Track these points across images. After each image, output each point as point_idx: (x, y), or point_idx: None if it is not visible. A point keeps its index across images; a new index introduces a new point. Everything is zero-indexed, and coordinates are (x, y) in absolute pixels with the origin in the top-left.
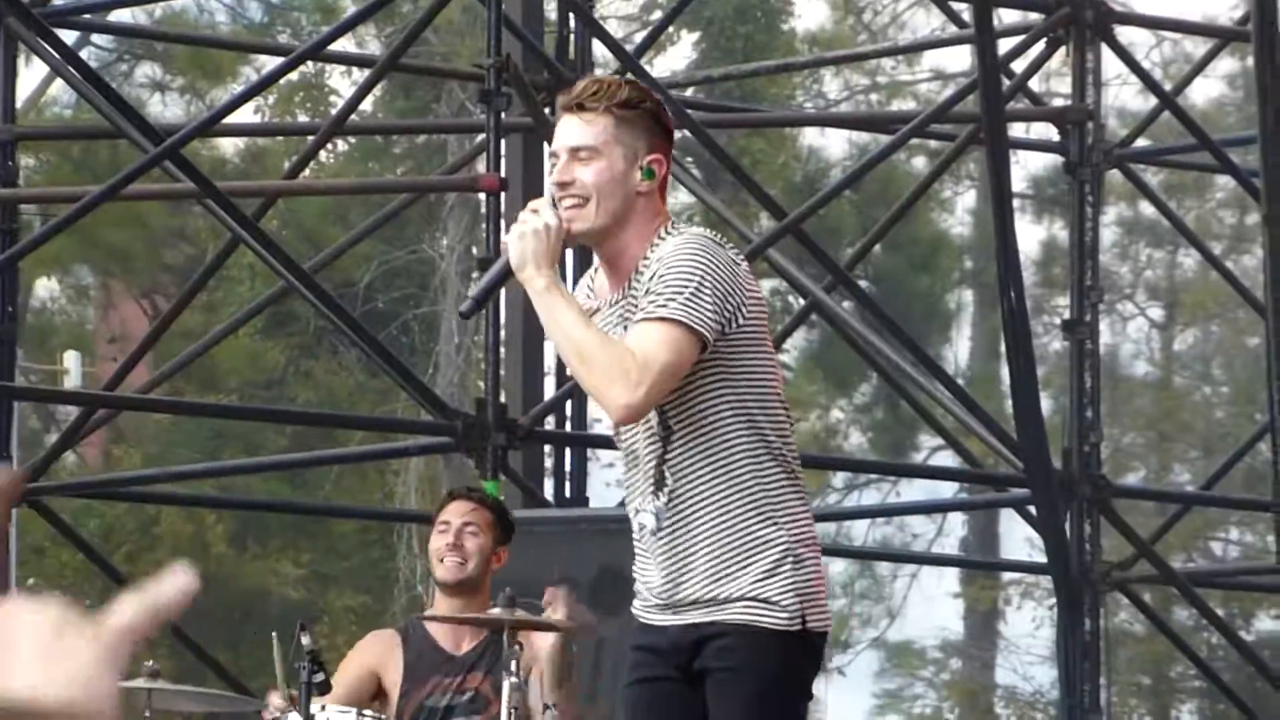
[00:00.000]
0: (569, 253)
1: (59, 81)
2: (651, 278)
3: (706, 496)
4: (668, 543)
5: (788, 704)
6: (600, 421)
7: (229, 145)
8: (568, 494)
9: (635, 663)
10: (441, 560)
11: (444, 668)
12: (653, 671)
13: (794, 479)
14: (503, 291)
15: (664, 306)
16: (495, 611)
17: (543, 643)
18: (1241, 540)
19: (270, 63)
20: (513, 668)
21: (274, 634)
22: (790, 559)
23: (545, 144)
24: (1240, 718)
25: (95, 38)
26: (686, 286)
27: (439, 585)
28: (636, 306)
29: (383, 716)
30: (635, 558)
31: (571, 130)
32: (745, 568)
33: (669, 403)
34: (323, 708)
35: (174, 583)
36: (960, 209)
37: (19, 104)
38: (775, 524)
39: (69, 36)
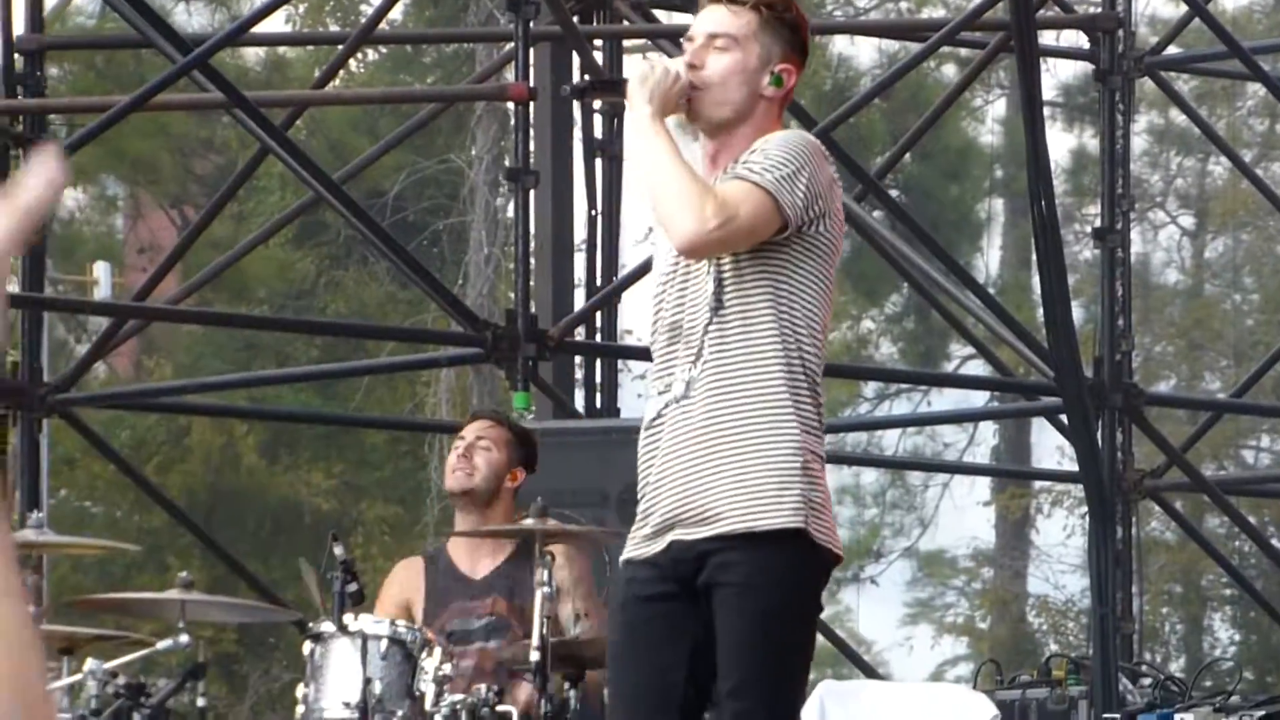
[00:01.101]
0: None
1: None
2: (751, 153)
3: (739, 381)
4: (691, 418)
5: (798, 617)
6: (630, 333)
7: (251, 55)
8: (598, 405)
9: (629, 578)
10: (452, 472)
11: (463, 591)
12: (648, 589)
13: (817, 399)
14: (531, 202)
15: (759, 175)
16: (527, 522)
17: (566, 561)
18: (1273, 448)
19: None
20: (544, 577)
21: (301, 560)
22: (801, 464)
23: (574, 53)
24: (1272, 625)
25: None
26: (787, 165)
27: (450, 498)
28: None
29: (417, 626)
30: (642, 469)
31: (716, 17)
32: (762, 462)
33: (729, 276)
34: (356, 617)
35: (41, 172)
36: (990, 118)
37: (44, 13)
38: (797, 425)
39: None
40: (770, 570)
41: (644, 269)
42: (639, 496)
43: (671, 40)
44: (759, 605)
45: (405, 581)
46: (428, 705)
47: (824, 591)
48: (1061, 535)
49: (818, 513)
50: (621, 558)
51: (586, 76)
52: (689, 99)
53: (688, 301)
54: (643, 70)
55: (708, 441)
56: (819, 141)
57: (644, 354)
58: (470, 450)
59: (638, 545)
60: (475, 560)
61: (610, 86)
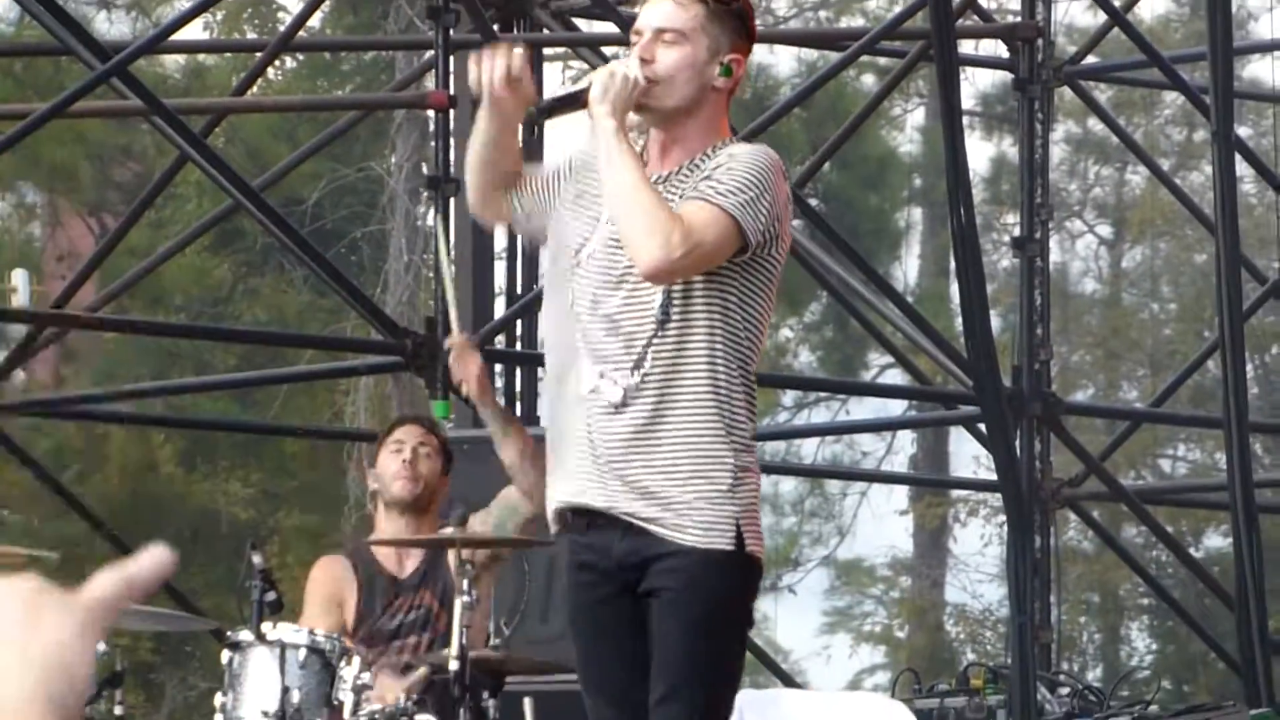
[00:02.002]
0: None
1: None
2: (715, 168)
3: (677, 394)
4: (625, 425)
5: (730, 628)
6: None
7: (171, 62)
8: (517, 413)
9: (577, 583)
10: (395, 478)
11: (391, 590)
12: (597, 592)
13: (751, 408)
14: (451, 212)
15: (724, 197)
16: (448, 531)
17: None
18: (1189, 457)
19: None
20: (465, 586)
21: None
22: (733, 482)
23: None
24: (1189, 634)
25: None
26: (751, 189)
27: (391, 505)
28: (684, 191)
29: (336, 635)
30: (558, 448)
31: (663, 11)
32: (695, 478)
33: (678, 293)
34: (274, 626)
35: (151, 558)
36: (909, 126)
37: None
38: (730, 444)
39: None
40: (702, 581)
41: None
42: (552, 458)
43: (591, 48)
44: (689, 615)
45: (334, 579)
46: (346, 714)
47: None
48: (979, 544)
49: (749, 524)
50: (554, 508)
51: (546, 97)
52: (640, 95)
53: (629, 301)
54: (603, 81)
55: (645, 456)
56: (779, 158)
57: None
58: (415, 458)
59: (579, 551)
60: (402, 559)
61: (572, 101)
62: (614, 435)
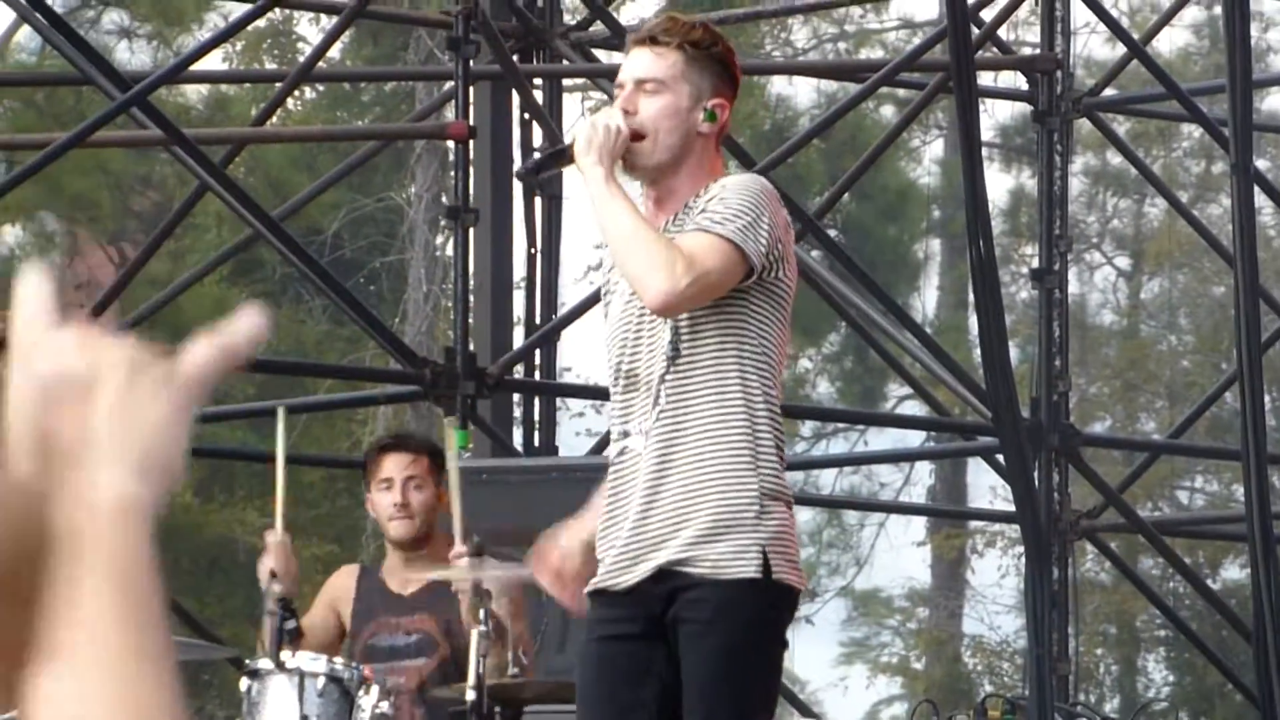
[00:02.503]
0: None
1: (25, 28)
2: (710, 199)
3: (696, 424)
4: (649, 462)
5: (759, 655)
6: (570, 370)
7: (194, 92)
8: (536, 443)
9: (597, 618)
10: (390, 520)
11: (390, 608)
12: (613, 629)
13: (778, 434)
14: (470, 240)
15: (721, 225)
16: (462, 564)
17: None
18: (1207, 489)
19: (237, 9)
20: (481, 617)
21: (280, 409)
22: (759, 510)
23: (512, 91)
24: (1206, 666)
25: None
26: (747, 214)
27: (390, 544)
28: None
29: (355, 664)
30: (606, 502)
31: (641, 62)
32: (719, 507)
33: (685, 326)
34: (294, 655)
35: (245, 323)
36: (928, 158)
37: None
38: (756, 472)
39: None
40: (732, 610)
41: (583, 307)
42: (599, 537)
43: (610, 79)
44: (721, 643)
45: (336, 588)
46: None
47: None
48: (996, 575)
49: (779, 551)
50: (586, 591)
51: (535, 154)
52: (625, 149)
53: (644, 349)
54: (586, 133)
55: (670, 488)
56: (770, 185)
57: (583, 392)
58: (405, 494)
59: (601, 580)
60: (404, 581)
61: (558, 156)
62: (641, 475)
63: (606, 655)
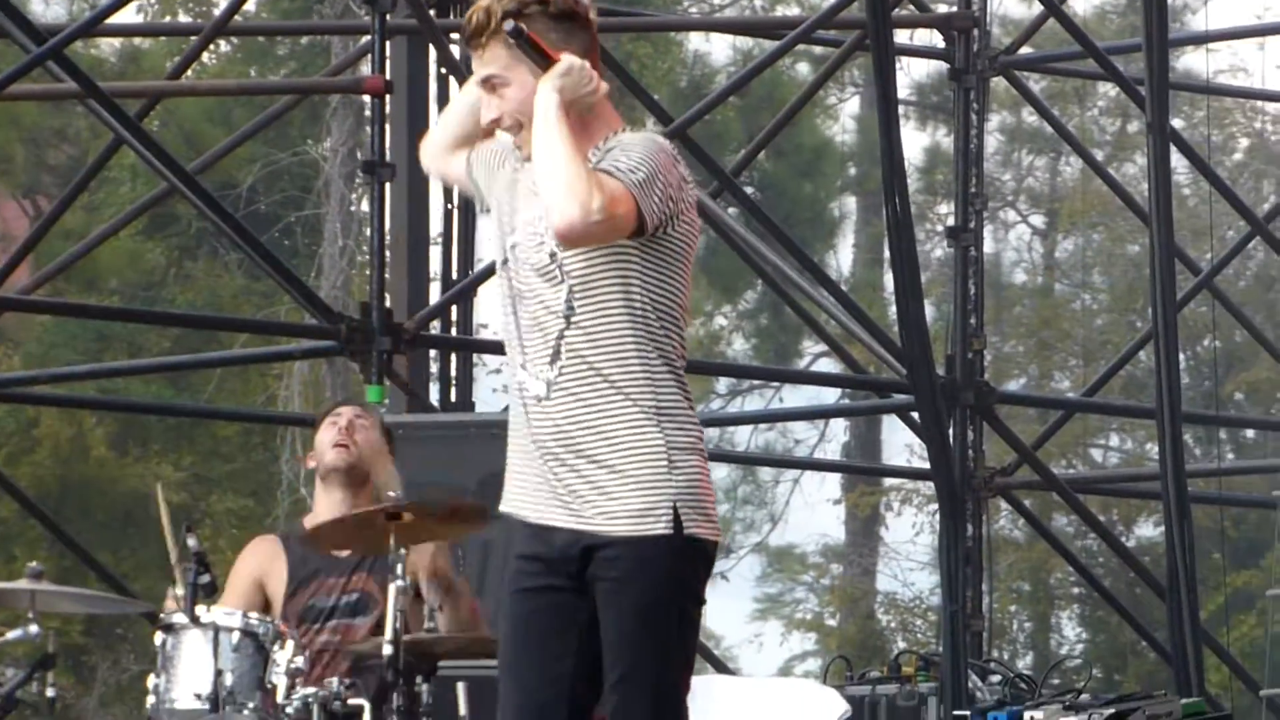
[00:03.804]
0: None
1: None
2: (610, 150)
3: (598, 382)
4: (553, 419)
5: (675, 611)
6: (486, 327)
7: (109, 45)
8: (453, 399)
9: (518, 570)
10: (331, 447)
11: (328, 568)
12: (536, 581)
13: (683, 387)
14: (387, 195)
15: (627, 175)
16: (391, 495)
17: (421, 557)
18: (1121, 447)
19: None
20: (398, 570)
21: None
22: (666, 464)
23: (429, 46)
24: (1120, 624)
25: None
26: (643, 169)
27: (328, 475)
28: None
29: (269, 618)
30: (510, 449)
31: (477, 67)
32: (627, 464)
33: (578, 283)
34: (208, 609)
35: None
36: (844, 116)
37: None
38: (659, 426)
39: None
40: (647, 566)
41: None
42: (505, 491)
43: None
44: (638, 599)
45: (259, 560)
46: (279, 698)
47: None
48: (910, 532)
49: (692, 505)
50: (502, 508)
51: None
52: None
53: (541, 305)
54: (570, 63)
55: (575, 446)
56: (669, 144)
57: (499, 348)
58: (350, 428)
59: (524, 543)
60: (336, 540)
61: (539, 54)
62: (544, 430)
63: (529, 607)
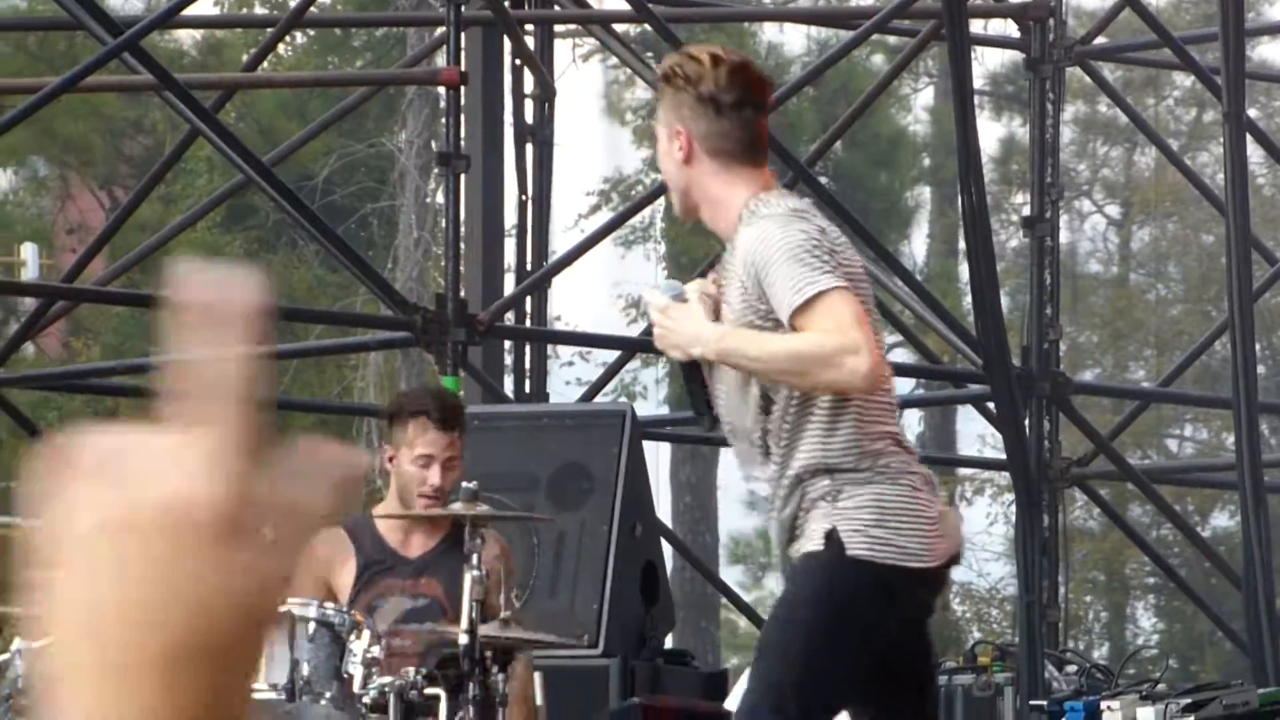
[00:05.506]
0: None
1: None
2: (744, 268)
3: (797, 455)
4: (777, 504)
5: (804, 617)
6: (559, 319)
7: (186, 37)
8: (527, 390)
9: None
10: (421, 497)
11: (397, 570)
12: None
13: (862, 434)
14: (461, 187)
15: (797, 292)
16: (456, 507)
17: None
18: (1196, 437)
19: None
20: (474, 561)
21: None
22: (829, 499)
23: (504, 37)
24: (1196, 614)
25: None
26: (791, 265)
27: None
28: (730, 281)
29: (345, 609)
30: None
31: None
32: (801, 510)
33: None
34: (284, 600)
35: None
36: (918, 106)
37: None
38: (829, 473)
39: None
40: (789, 583)
41: (574, 255)
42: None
43: (602, 25)
44: (773, 609)
45: (325, 557)
46: (356, 687)
47: (867, 602)
48: (985, 523)
49: (851, 530)
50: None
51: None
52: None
53: (735, 406)
54: (666, 348)
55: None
56: (780, 210)
57: (573, 339)
58: (444, 478)
59: None
60: (407, 539)
61: (694, 370)
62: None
63: None
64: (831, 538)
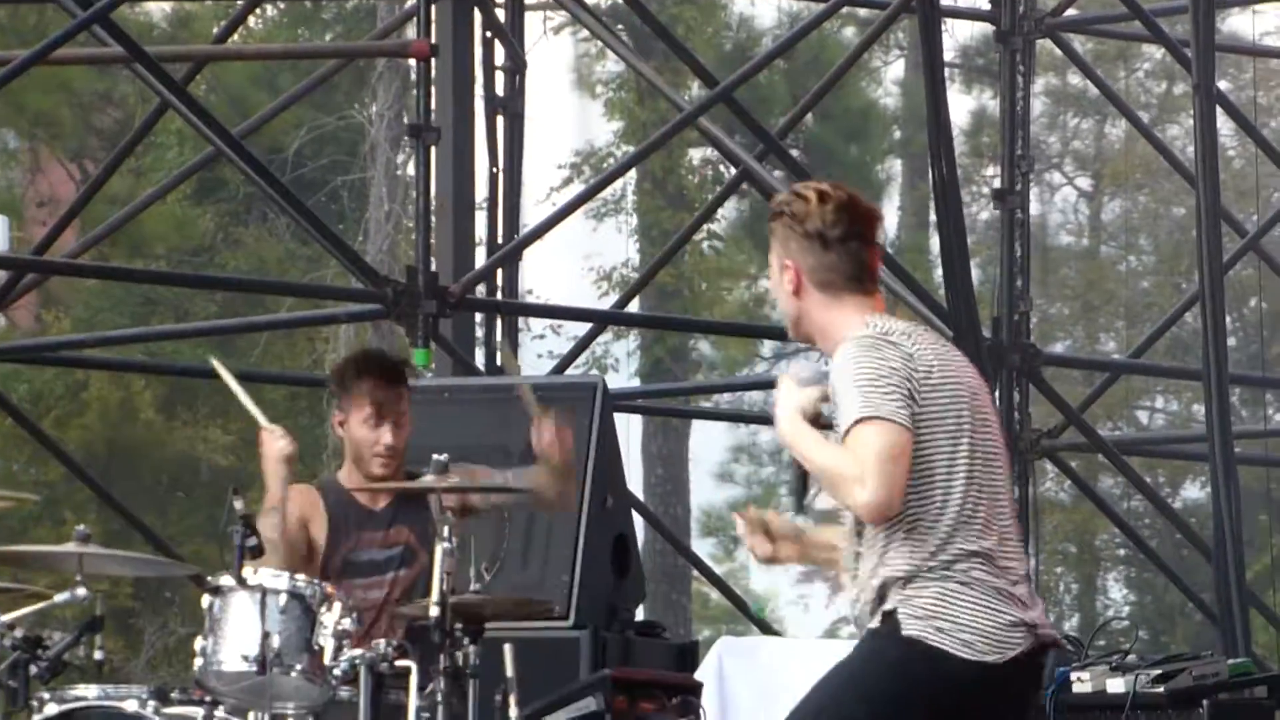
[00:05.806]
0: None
1: None
2: (831, 384)
3: (884, 566)
4: (859, 603)
5: (846, 690)
6: (530, 292)
7: (156, 9)
8: (498, 363)
9: None
10: (376, 457)
11: (366, 523)
12: None
13: (924, 539)
14: (432, 159)
15: (846, 416)
16: (428, 479)
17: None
18: (1167, 409)
19: None
20: (445, 533)
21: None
22: (902, 582)
23: (474, 9)
24: (1166, 585)
25: None
26: (854, 388)
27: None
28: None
29: (316, 581)
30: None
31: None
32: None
33: None
34: (255, 571)
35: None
36: (889, 79)
37: None
38: (893, 576)
39: None
40: (860, 644)
41: (545, 227)
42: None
43: (577, 1)
44: (836, 668)
45: (303, 505)
46: (326, 659)
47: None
48: None
49: (911, 614)
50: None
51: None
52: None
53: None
54: (787, 431)
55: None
56: (866, 335)
57: (544, 312)
58: (395, 436)
59: None
60: (373, 495)
61: (803, 479)
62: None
63: None
64: (891, 617)
